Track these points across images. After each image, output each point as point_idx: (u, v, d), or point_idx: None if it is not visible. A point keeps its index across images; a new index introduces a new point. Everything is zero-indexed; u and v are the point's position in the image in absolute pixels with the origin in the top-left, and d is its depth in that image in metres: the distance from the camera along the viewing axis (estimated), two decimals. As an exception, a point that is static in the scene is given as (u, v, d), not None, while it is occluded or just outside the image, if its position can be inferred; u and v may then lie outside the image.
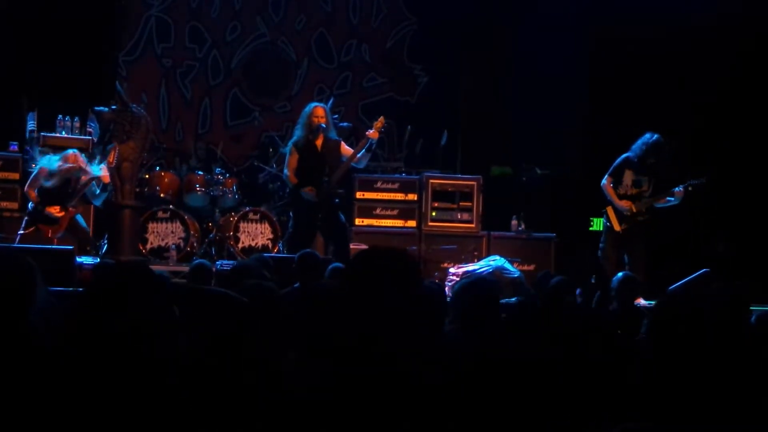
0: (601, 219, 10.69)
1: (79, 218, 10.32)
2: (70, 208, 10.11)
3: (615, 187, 10.33)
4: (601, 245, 10.49)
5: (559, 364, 4.06)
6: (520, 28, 13.11)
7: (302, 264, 7.49)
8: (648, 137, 10.21)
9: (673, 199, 10.25)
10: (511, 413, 3.45)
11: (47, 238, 10.01)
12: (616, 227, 10.31)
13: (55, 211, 9.99)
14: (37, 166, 10.24)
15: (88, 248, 10.23)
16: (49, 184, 9.98)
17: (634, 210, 10.25)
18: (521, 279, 10.27)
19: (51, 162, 10.15)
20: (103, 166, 10.31)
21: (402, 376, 2.86)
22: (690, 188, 10.19)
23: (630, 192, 10.32)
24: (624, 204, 10.27)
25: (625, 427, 2.77)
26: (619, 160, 10.36)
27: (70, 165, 10.05)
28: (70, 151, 10.26)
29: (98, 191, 10.35)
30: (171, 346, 3.51)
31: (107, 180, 10.38)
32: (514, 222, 12.09)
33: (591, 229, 12.16)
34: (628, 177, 10.33)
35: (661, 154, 10.18)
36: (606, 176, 10.38)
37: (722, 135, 12.45)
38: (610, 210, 10.37)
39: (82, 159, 10.18)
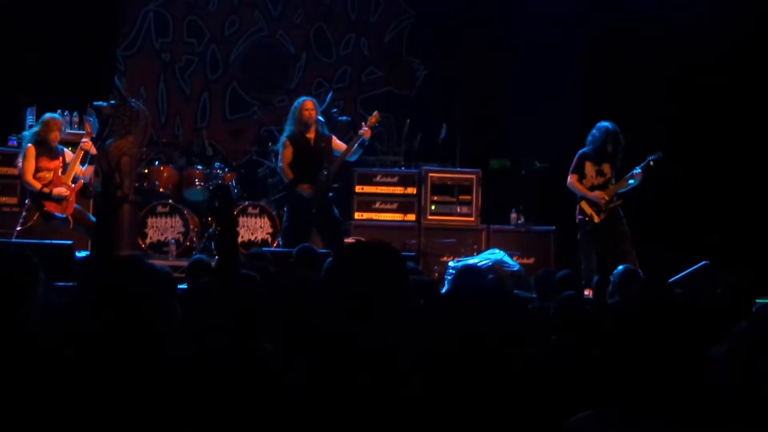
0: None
1: (82, 210, 10.26)
2: (72, 185, 10.04)
3: (580, 182, 10.46)
4: (581, 242, 10.51)
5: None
6: (520, 20, 13.09)
7: (300, 258, 7.49)
8: (600, 126, 10.40)
9: (633, 180, 10.40)
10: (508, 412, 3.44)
11: (51, 230, 9.92)
12: (596, 218, 10.42)
13: (62, 191, 9.93)
14: (22, 150, 10.11)
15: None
16: (36, 147, 9.91)
17: (607, 198, 10.38)
18: (521, 272, 10.27)
19: (31, 133, 10.07)
20: (85, 140, 10.23)
21: (392, 371, 2.86)
22: (651, 163, 10.36)
23: (596, 182, 10.46)
24: (597, 194, 10.39)
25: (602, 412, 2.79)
26: (577, 155, 10.53)
27: (45, 124, 9.95)
28: (47, 115, 10.15)
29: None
30: (172, 342, 3.51)
31: (93, 150, 10.26)
32: (513, 215, 12.09)
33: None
34: (589, 169, 10.49)
35: (617, 141, 10.34)
36: (569, 175, 10.54)
37: (719, 128, 12.47)
38: (584, 204, 10.48)
39: (59, 120, 10.12)
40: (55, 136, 9.98)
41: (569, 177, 10.52)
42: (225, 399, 3.33)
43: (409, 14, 14.36)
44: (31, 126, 11.35)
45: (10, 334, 3.33)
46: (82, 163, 10.16)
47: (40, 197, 9.89)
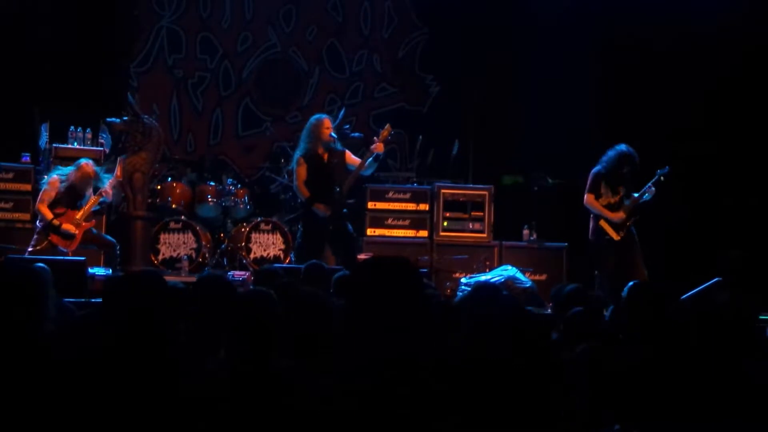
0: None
1: (92, 229, 10.35)
2: (84, 224, 10.15)
3: (597, 200, 10.55)
4: (598, 258, 10.53)
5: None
6: (532, 37, 13.09)
7: (309, 275, 7.47)
8: (618, 148, 10.46)
9: (648, 195, 10.53)
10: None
11: (61, 252, 10.03)
12: (616, 237, 10.52)
13: (71, 228, 10.03)
14: (48, 178, 10.25)
15: (117, 250, 10.31)
16: (63, 185, 10.03)
17: (625, 216, 10.49)
18: (533, 289, 10.25)
19: (63, 172, 10.21)
20: (110, 178, 10.36)
21: (408, 384, 2.86)
22: (662, 178, 10.50)
23: (612, 201, 10.55)
24: (616, 217, 10.48)
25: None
26: (591, 175, 10.59)
27: (82, 173, 10.09)
28: (83, 161, 10.28)
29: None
30: (183, 356, 3.51)
31: (109, 194, 10.41)
32: (525, 231, 12.07)
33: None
34: (604, 188, 10.56)
35: (633, 164, 10.41)
36: (586, 194, 10.59)
37: (731, 138, 12.47)
38: (603, 223, 10.54)
39: (95, 170, 10.22)
40: (84, 186, 10.09)
41: (586, 196, 10.57)
42: (240, 414, 3.33)
43: (422, 30, 14.37)
44: (47, 143, 11.42)
45: (22, 346, 3.34)
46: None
47: (49, 228, 10.00)
